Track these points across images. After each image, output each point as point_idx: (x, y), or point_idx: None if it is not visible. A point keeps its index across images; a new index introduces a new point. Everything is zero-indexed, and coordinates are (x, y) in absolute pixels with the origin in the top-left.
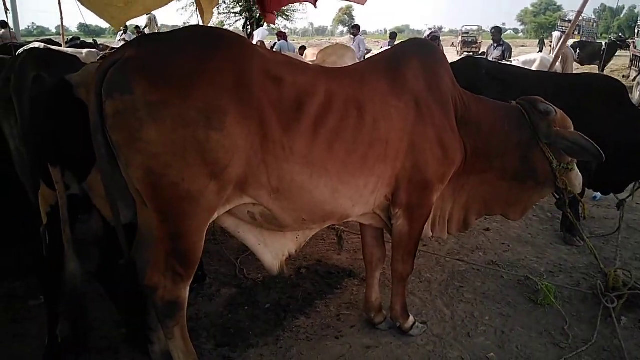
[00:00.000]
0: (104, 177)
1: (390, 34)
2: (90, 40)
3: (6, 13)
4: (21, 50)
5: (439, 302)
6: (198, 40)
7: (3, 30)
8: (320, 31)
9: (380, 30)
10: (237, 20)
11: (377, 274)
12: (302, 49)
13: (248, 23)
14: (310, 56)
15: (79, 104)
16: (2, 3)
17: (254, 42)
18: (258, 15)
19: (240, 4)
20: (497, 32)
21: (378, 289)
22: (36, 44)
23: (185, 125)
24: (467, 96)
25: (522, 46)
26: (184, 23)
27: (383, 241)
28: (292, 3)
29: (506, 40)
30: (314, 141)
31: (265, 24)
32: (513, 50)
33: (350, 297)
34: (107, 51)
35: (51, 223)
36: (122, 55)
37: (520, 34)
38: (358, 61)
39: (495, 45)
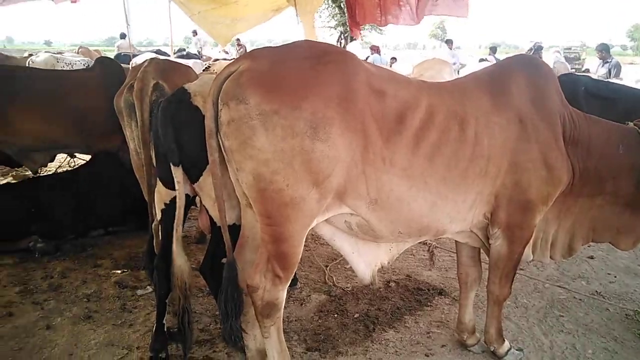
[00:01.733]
0: (215, 180)
1: (490, 48)
2: (194, 51)
3: (127, 27)
4: (134, 59)
5: (536, 330)
6: (308, 54)
7: (121, 41)
8: (412, 45)
9: (480, 46)
10: (331, 35)
11: (472, 294)
12: (393, 59)
13: (342, 37)
14: (401, 70)
15: (196, 110)
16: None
17: None
18: None
19: (335, 18)
20: (603, 48)
21: (472, 310)
22: (149, 54)
23: (294, 134)
24: (577, 115)
25: (631, 64)
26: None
27: (479, 261)
28: (382, 25)
29: (614, 57)
30: (414, 154)
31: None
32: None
33: (441, 315)
34: (210, 61)
35: (165, 220)
36: (237, 68)
37: (629, 51)
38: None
39: (602, 62)
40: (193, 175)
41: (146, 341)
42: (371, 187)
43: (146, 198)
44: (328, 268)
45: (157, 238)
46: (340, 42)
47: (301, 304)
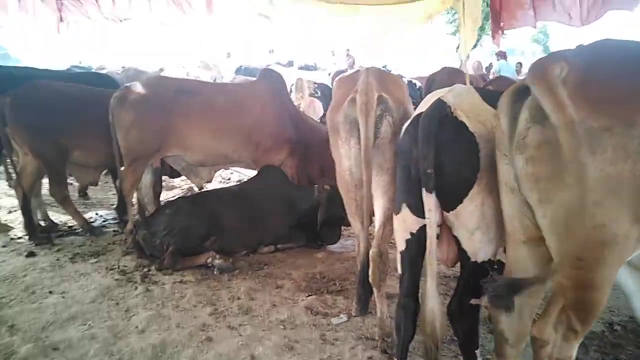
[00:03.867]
0: (486, 209)
1: None
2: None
3: None
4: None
5: None
6: (631, 57)
7: None
8: (510, 51)
9: None
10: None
11: None
12: (519, 64)
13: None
14: None
15: (462, 127)
16: None
17: (469, 64)
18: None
19: (454, 24)
20: None
21: None
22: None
23: (626, 157)
24: None
25: None
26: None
27: None
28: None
29: None
30: None
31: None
32: None
33: None
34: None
35: (410, 251)
36: None
37: None
38: None
39: None
40: (450, 203)
41: None
42: None
43: (352, 220)
44: None
45: (375, 267)
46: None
47: None
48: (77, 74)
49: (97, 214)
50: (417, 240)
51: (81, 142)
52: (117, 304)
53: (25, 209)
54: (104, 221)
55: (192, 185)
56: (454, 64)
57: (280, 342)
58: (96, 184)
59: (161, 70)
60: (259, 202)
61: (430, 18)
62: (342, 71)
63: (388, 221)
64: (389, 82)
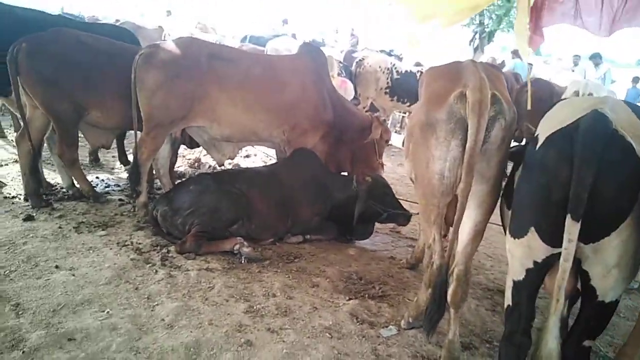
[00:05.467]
0: (631, 244)
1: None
2: None
3: None
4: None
5: None
6: None
7: None
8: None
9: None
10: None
11: None
12: (530, 65)
13: (476, 37)
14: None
15: (628, 149)
16: None
17: (480, 59)
18: (489, 29)
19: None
20: None
21: None
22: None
23: None
24: None
25: None
26: None
27: None
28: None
29: None
30: None
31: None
32: None
33: None
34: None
35: (529, 281)
36: None
37: None
38: None
39: None
40: (594, 234)
41: None
42: None
43: (427, 228)
44: None
45: (458, 286)
46: (473, 43)
47: None
48: (93, 25)
49: (97, 177)
50: (540, 271)
51: (101, 101)
52: (137, 288)
53: (31, 166)
54: (106, 187)
55: (200, 156)
56: (464, 58)
57: (329, 354)
58: (109, 147)
59: (160, 27)
60: (291, 187)
61: (477, 9)
62: (352, 51)
63: (477, 236)
64: (495, 79)
